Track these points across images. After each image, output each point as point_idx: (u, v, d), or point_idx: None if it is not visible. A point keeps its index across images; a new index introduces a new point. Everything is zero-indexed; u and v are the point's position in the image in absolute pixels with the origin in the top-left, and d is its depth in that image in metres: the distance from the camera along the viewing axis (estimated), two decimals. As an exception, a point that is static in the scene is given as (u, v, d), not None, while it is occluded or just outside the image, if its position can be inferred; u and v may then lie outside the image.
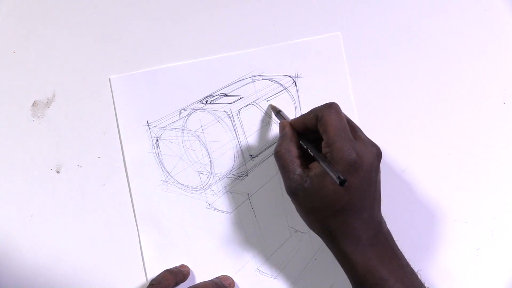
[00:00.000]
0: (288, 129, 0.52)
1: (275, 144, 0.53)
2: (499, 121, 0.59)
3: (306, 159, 0.50)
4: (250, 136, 0.58)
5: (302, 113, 0.54)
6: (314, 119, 0.50)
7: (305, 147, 0.51)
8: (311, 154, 0.50)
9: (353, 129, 0.50)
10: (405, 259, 0.50)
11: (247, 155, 0.58)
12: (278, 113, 0.57)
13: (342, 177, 0.44)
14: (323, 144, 0.49)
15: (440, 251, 0.59)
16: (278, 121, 0.57)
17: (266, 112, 0.59)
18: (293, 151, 0.51)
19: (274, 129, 0.59)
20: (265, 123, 0.59)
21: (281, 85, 0.59)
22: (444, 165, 0.59)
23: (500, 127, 0.59)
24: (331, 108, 0.49)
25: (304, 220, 0.52)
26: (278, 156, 0.51)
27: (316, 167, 0.48)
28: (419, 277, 0.50)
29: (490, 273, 0.59)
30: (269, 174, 0.59)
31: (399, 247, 0.51)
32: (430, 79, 0.59)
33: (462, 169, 0.59)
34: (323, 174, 0.47)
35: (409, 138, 0.59)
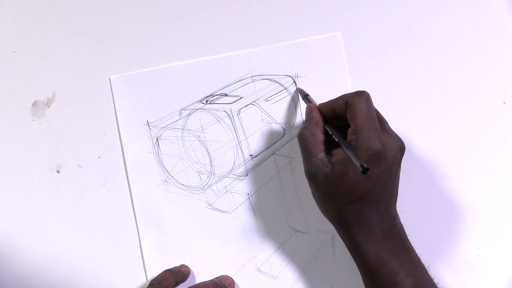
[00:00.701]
0: (315, 113, 0.52)
1: (299, 128, 0.52)
2: (499, 121, 0.59)
3: (329, 146, 0.50)
4: (250, 136, 0.58)
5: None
6: (343, 105, 0.50)
7: (330, 132, 0.50)
8: (336, 140, 0.49)
9: (380, 121, 0.50)
10: (416, 254, 0.50)
11: (247, 155, 0.58)
12: (306, 96, 0.57)
13: (365, 165, 0.44)
14: (349, 131, 0.49)
15: (440, 251, 0.59)
16: (305, 105, 0.56)
17: (266, 112, 0.59)
18: (318, 135, 0.50)
19: (274, 129, 0.59)
20: (265, 123, 0.59)
21: (281, 85, 0.59)
22: (444, 165, 0.59)
23: (500, 127, 0.59)
24: (362, 96, 0.49)
25: (319, 206, 0.52)
26: (302, 138, 0.51)
27: (339, 154, 0.48)
28: (429, 272, 0.50)
29: (490, 273, 0.59)
30: (269, 174, 0.59)
31: None
32: (430, 79, 0.59)
33: (462, 169, 0.59)
34: (346, 161, 0.47)
35: (409, 138, 0.59)
